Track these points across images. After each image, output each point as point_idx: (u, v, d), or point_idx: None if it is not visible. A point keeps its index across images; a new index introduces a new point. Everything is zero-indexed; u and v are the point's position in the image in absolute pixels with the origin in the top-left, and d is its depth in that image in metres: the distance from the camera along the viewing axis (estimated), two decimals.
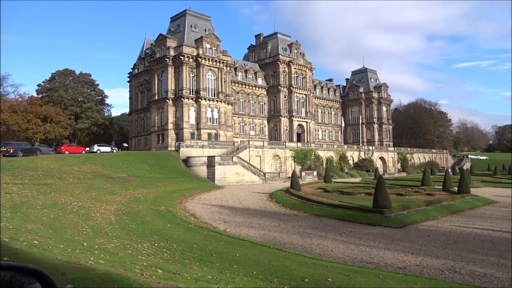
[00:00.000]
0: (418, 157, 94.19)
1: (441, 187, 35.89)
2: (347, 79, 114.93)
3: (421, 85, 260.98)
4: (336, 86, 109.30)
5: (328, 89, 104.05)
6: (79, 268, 6.19)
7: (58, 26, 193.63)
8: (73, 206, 20.48)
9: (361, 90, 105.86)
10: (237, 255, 12.30)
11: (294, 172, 39.93)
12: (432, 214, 23.56)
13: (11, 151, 40.30)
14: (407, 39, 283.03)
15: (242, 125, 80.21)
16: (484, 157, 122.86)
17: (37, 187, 24.56)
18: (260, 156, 58.31)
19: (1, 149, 40.31)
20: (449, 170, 60.89)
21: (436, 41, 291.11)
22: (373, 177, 56.48)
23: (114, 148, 56.64)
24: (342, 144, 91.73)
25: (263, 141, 64.77)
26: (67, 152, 48.97)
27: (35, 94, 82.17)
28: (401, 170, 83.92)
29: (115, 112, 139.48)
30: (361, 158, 76.51)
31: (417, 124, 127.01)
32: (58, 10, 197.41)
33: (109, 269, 6.69)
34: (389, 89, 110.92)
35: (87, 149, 56.19)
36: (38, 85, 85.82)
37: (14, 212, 15.50)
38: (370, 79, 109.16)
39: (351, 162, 74.10)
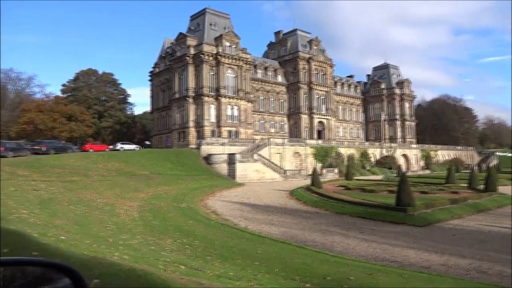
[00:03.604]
0: (443, 154, 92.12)
1: (466, 185, 34.99)
2: (368, 75, 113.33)
3: (446, 80, 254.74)
4: (357, 82, 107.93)
5: (349, 85, 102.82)
6: (105, 264, 6.32)
7: (80, 27, 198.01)
8: (98, 203, 20.94)
9: (383, 86, 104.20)
10: (259, 252, 12.31)
11: (314, 170, 39.67)
12: (458, 212, 23.00)
13: (44, 149, 41.60)
14: (432, 33, 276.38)
15: (262, 123, 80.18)
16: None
17: (64, 184, 25.21)
18: (280, 153, 58.19)
19: (35, 147, 41.73)
20: (475, 167, 59.32)
21: (462, 35, 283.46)
22: (396, 175, 55.54)
23: (136, 146, 57.66)
24: (364, 141, 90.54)
25: (283, 138, 64.61)
26: (91, 150, 50.12)
27: (60, 94, 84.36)
28: (424, 167, 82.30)
29: (137, 111, 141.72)
30: (383, 155, 75.38)
31: (441, 121, 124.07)
32: (80, 10, 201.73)
33: (133, 264, 6.81)
34: (412, 84, 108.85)
35: (111, 147, 57.32)
36: (63, 85, 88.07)
37: (42, 209, 15.95)
38: (392, 75, 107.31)
39: (373, 159, 73.07)
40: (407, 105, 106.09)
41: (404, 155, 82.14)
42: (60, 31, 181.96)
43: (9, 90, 74.79)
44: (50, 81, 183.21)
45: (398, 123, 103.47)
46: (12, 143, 40.85)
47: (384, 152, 76.49)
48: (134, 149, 55.08)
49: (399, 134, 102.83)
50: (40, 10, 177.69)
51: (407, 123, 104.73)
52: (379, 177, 57.97)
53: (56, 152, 42.39)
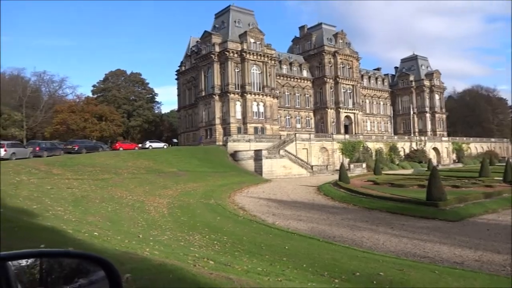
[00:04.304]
0: (475, 146, 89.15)
1: (501, 178, 33.60)
2: (396, 68, 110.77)
3: (478, 70, 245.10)
4: (384, 75, 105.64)
5: (376, 78, 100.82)
6: (136, 259, 6.49)
7: (109, 28, 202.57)
8: (128, 200, 21.48)
9: (412, 78, 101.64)
10: (287, 247, 12.32)
11: (342, 165, 39.25)
12: (492, 207, 22.25)
13: (76, 148, 43.00)
14: (462, 22, 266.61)
15: (288, 118, 79.86)
16: None
17: (95, 182, 25.98)
18: (307, 149, 57.85)
19: (67, 146, 43.22)
20: (511, 160, 57.07)
21: (495, 23, 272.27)
22: (426, 169, 54.16)
23: (164, 144, 58.72)
24: (392, 135, 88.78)
25: (309, 133, 64.16)
26: (121, 149, 51.35)
27: (90, 95, 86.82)
28: (456, 161, 79.88)
29: (165, 109, 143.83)
30: (412, 149, 73.70)
31: (473, 112, 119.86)
32: (109, 12, 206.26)
33: (163, 259, 6.96)
34: (442, 76, 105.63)
35: (140, 145, 58.55)
36: (93, 86, 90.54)
37: (76, 206, 16.52)
38: (421, 66, 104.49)
39: (402, 153, 71.58)
40: (437, 97, 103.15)
41: (435, 149, 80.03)
42: (90, 33, 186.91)
43: (43, 92, 77.44)
44: (81, 82, 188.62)
45: (428, 115, 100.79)
46: (46, 143, 42.41)
47: (414, 146, 74.82)
48: (162, 147, 56.05)
49: (429, 127, 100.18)
50: (70, 12, 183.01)
51: (437, 115, 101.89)
52: (409, 171, 56.76)
53: (87, 151, 43.68)
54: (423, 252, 13.53)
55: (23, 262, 1.50)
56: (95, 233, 10.10)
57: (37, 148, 36.97)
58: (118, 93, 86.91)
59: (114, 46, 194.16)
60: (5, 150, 31.23)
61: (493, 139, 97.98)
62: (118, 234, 10.91)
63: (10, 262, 1.46)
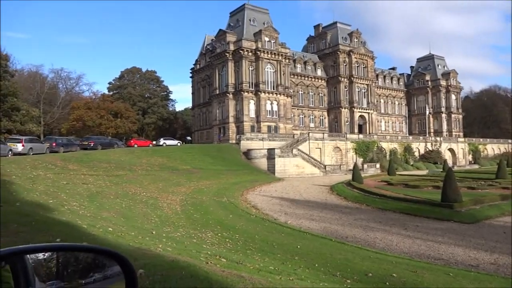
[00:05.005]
0: (492, 148, 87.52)
1: None
2: (411, 67, 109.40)
3: (496, 69, 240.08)
4: (399, 74, 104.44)
5: (391, 78, 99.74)
6: (149, 255, 6.55)
7: (125, 26, 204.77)
8: (142, 196, 21.70)
9: (428, 78, 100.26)
10: (299, 247, 12.30)
11: (355, 165, 38.99)
12: (509, 209, 21.76)
13: (92, 145, 43.65)
14: (480, 20, 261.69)
15: (302, 117, 79.63)
16: None
17: (110, 178, 26.32)
18: (320, 148, 57.61)
19: (83, 143, 43.92)
20: None
21: None
22: (442, 170, 53.40)
23: (178, 141, 59.17)
24: (407, 135, 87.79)
25: (323, 133, 63.85)
26: (136, 146, 51.93)
27: (106, 92, 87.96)
28: (472, 162, 78.58)
29: (179, 107, 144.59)
30: (428, 149, 72.79)
31: (490, 113, 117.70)
32: (125, 10, 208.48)
33: (176, 256, 7.01)
34: (458, 75, 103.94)
35: (154, 142, 59.10)
36: (109, 83, 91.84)
37: (91, 201, 16.76)
38: (438, 66, 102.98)
39: (416, 154, 70.82)
40: (453, 97, 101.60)
41: (450, 149, 78.90)
42: (106, 31, 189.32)
43: (60, 89, 78.78)
44: (97, 79, 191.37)
45: (444, 116, 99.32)
46: (63, 139, 43.18)
47: (429, 146, 73.92)
48: (176, 145, 56.50)
49: (444, 127, 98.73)
50: (88, 10, 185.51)
51: (453, 116, 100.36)
52: (424, 172, 56.04)
53: (103, 147, 44.29)
54: (437, 254, 13.35)
55: (40, 255, 1.53)
56: (110, 229, 10.23)
57: (54, 144, 37.62)
58: (133, 90, 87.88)
59: (130, 43, 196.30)
60: (23, 145, 31.95)
61: (510, 140, 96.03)
62: (132, 230, 11.03)
63: (28, 256, 1.48)
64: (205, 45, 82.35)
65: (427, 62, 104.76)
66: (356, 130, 78.99)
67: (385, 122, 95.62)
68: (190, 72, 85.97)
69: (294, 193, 32.13)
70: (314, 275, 8.38)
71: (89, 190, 19.95)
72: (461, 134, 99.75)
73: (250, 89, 65.65)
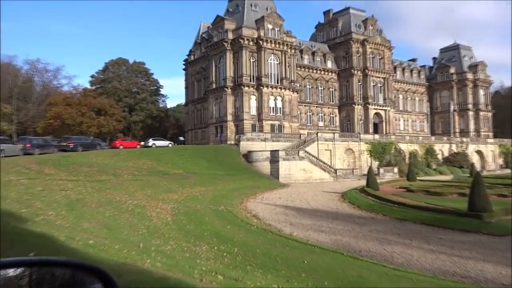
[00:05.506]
0: None
1: None
2: (434, 58, 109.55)
3: None
4: (420, 67, 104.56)
5: (411, 70, 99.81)
6: (136, 271, 6.54)
7: (109, 12, 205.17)
8: (128, 205, 21.71)
9: (452, 70, 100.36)
10: (306, 262, 12.29)
11: (370, 169, 39.04)
12: None
13: (71, 146, 43.28)
14: None
15: (309, 115, 79.69)
16: None
17: (92, 184, 26.34)
18: (330, 150, 57.63)
19: (62, 143, 43.74)
20: None
21: None
22: (468, 175, 53.43)
23: (169, 142, 59.26)
24: (429, 135, 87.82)
25: (333, 133, 63.88)
26: (121, 147, 51.94)
27: (88, 86, 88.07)
28: (504, 166, 78.74)
29: (170, 103, 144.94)
30: (452, 152, 72.93)
31: None
32: None
33: (166, 272, 7.01)
34: (487, 68, 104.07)
35: (142, 143, 59.17)
36: (92, 76, 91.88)
37: (70, 210, 16.77)
38: (464, 57, 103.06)
39: (440, 156, 70.89)
40: (481, 92, 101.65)
41: (478, 152, 78.95)
42: (89, 17, 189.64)
43: (35, 82, 78.92)
44: (78, 72, 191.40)
45: (471, 113, 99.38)
46: (39, 139, 42.98)
47: (454, 148, 74.03)
48: (167, 146, 56.59)
49: (472, 126, 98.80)
50: None
51: (482, 113, 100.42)
52: (448, 177, 56.08)
53: (84, 149, 44.24)
54: (464, 271, 13.37)
55: (11, 271, 1.51)
56: (90, 241, 10.23)
57: (28, 145, 37.60)
58: (119, 84, 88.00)
59: (115, 31, 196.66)
60: None
61: None
62: (116, 243, 11.03)
63: None
64: (200, 33, 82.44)
65: (452, 53, 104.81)
66: (371, 130, 79.01)
67: (404, 120, 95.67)
68: (183, 64, 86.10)
69: (300, 201, 32.15)
70: None
71: (68, 198, 19.97)
72: (491, 134, 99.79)
73: (251, 83, 65.69)
